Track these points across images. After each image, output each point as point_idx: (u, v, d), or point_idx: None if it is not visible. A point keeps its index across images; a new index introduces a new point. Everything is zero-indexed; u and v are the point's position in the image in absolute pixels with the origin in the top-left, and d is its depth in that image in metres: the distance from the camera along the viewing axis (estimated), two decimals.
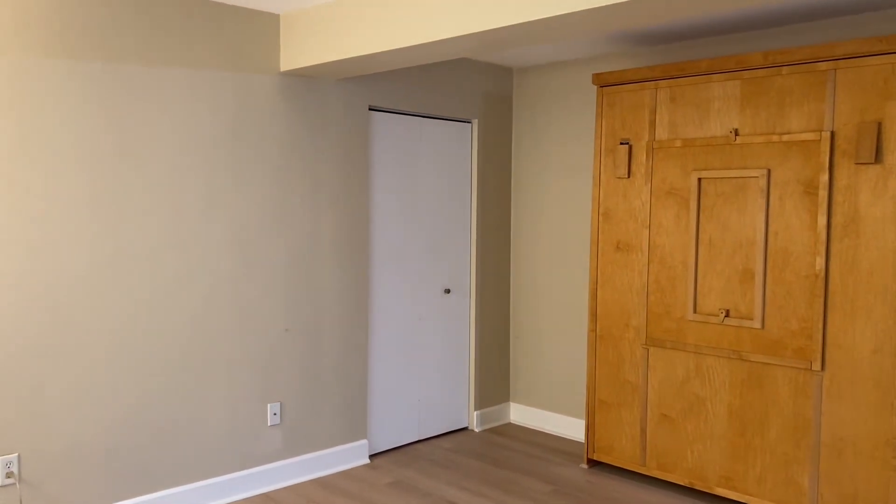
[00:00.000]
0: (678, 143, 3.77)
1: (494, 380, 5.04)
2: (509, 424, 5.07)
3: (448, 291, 4.71)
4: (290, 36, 3.71)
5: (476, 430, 4.90)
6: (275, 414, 3.84)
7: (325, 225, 4.01)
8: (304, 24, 3.64)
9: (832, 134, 3.28)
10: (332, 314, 4.07)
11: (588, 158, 4.67)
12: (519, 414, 5.10)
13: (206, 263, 3.54)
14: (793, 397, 3.44)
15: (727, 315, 3.63)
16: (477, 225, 4.84)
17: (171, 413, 3.45)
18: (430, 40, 3.10)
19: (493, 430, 4.92)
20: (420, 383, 4.61)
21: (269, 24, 3.71)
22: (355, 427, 4.22)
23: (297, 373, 3.93)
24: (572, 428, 4.79)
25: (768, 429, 3.52)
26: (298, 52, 3.68)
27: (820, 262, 3.32)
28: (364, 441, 4.26)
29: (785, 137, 3.42)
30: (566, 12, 2.64)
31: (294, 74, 3.83)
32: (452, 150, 4.72)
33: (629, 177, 3.99)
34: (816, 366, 3.35)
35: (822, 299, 3.32)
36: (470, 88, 4.74)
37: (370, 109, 4.24)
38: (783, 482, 3.48)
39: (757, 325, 3.52)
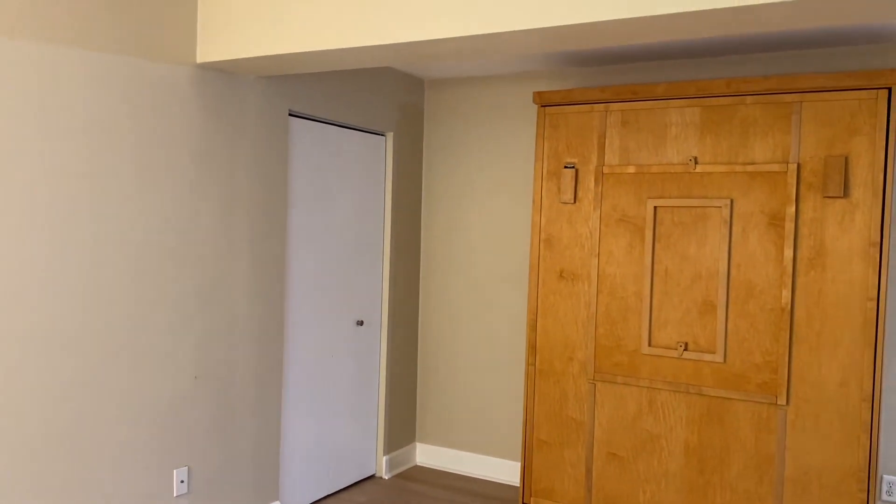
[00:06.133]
0: (631, 170, 3.61)
1: (403, 419, 4.58)
2: (416, 467, 4.63)
3: (361, 323, 4.19)
4: (211, 21, 3.06)
5: (385, 476, 4.40)
6: (182, 481, 3.11)
7: (242, 249, 3.36)
8: (226, 8, 3.01)
9: (798, 166, 3.27)
10: (246, 355, 3.41)
11: (516, 180, 4.40)
12: (427, 455, 4.67)
13: (93, 300, 2.77)
14: (755, 432, 3.37)
15: (686, 348, 3.50)
16: (390, 249, 4.37)
17: (39, 497, 2.64)
18: (360, 45, 2.74)
19: (402, 476, 4.46)
20: (332, 429, 4.04)
21: (185, 4, 3.03)
22: (268, 487, 3.57)
23: (208, 429, 3.23)
24: (491, 468, 4.46)
25: (729, 465, 3.43)
26: (221, 41, 3.04)
27: (786, 294, 3.29)
28: (276, 503, 3.62)
29: (749, 168, 3.36)
30: (510, 30, 2.45)
31: (213, 68, 3.17)
32: (368, 165, 4.22)
33: (575, 202, 3.76)
34: (781, 400, 3.31)
35: (787, 332, 3.29)
36: (385, 98, 4.28)
37: (290, 115, 3.65)
38: None
39: (718, 358, 3.43)
